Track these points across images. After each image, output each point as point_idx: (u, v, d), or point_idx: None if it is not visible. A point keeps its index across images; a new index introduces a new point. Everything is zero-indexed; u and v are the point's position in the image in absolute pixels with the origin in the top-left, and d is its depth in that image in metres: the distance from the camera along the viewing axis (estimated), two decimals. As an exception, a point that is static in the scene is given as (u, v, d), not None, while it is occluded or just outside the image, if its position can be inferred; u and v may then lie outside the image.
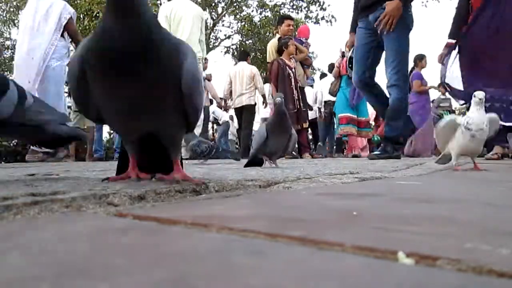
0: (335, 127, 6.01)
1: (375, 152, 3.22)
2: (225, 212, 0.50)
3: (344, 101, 5.62)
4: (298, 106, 4.68)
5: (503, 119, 2.73)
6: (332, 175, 1.15)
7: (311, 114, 6.37)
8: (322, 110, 6.95)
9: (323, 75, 7.68)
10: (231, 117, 8.48)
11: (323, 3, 13.52)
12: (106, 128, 6.94)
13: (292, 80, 4.71)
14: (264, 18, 14.02)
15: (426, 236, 0.37)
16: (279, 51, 4.80)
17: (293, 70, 4.77)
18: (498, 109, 2.75)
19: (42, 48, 3.28)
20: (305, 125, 4.82)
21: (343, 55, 5.42)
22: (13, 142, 5.29)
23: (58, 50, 3.36)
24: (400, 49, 2.95)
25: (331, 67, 7.40)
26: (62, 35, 3.40)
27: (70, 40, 3.52)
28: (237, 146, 8.92)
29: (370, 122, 6.60)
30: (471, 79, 2.93)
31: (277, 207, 0.56)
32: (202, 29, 4.11)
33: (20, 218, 0.47)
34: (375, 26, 2.94)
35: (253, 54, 12.69)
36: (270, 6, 14.01)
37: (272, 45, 5.06)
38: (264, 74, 6.76)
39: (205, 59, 5.34)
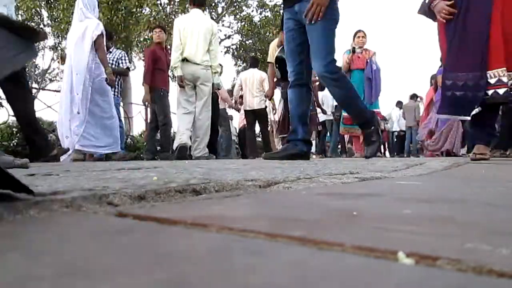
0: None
1: (369, 151, 2.97)
2: (225, 212, 0.50)
3: None
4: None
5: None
6: (332, 175, 1.15)
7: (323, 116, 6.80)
8: (334, 113, 7.13)
9: None
10: (231, 117, 8.55)
11: (323, 3, 13.52)
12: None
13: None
14: (264, 18, 14.03)
15: (426, 236, 0.37)
16: None
17: None
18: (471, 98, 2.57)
19: (82, 64, 3.84)
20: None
21: (353, 50, 5.40)
22: (13, 142, 5.29)
23: (99, 66, 3.95)
24: (328, 41, 2.73)
25: None
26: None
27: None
28: (237, 146, 8.93)
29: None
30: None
31: (277, 207, 0.56)
32: (212, 40, 4.50)
33: (20, 218, 0.47)
34: (303, 16, 2.73)
35: (253, 54, 12.70)
36: (270, 6, 14.03)
37: (274, 44, 5.10)
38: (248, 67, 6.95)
39: (220, 65, 5.66)
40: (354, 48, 5.44)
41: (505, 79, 2.48)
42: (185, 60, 4.37)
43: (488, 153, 2.72)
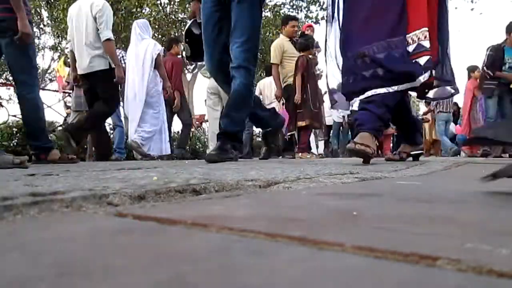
0: None
1: (211, 152, 2.26)
2: (225, 212, 0.50)
3: None
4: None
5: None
6: (332, 175, 1.15)
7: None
8: (346, 116, 7.18)
9: None
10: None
11: (323, 3, 13.53)
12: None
13: (316, 79, 4.97)
14: (264, 18, 14.03)
15: (426, 236, 0.37)
16: (304, 48, 4.85)
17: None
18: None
19: (144, 79, 4.52)
20: (303, 123, 4.86)
21: None
22: (13, 142, 5.30)
23: (152, 78, 4.57)
24: (252, 23, 2.36)
25: None
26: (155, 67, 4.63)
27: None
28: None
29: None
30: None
31: (277, 207, 0.56)
32: None
33: (20, 218, 0.47)
34: None
35: (253, 54, 12.68)
36: (270, 6, 14.02)
37: (277, 44, 5.13)
38: (264, 74, 6.88)
39: None
40: None
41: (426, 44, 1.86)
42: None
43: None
